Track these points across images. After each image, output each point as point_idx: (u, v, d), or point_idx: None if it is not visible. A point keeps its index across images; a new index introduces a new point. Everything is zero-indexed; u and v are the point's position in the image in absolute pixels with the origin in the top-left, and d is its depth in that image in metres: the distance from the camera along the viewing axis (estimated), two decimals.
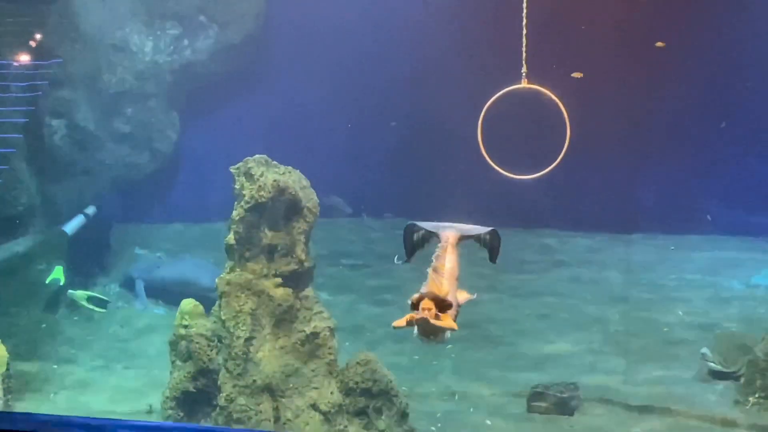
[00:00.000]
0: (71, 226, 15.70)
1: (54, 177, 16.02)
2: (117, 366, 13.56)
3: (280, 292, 10.78)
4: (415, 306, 6.97)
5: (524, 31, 8.02)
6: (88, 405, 12.22)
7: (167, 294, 15.18)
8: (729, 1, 17.07)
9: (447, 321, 7.08)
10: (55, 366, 13.41)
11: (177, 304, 11.44)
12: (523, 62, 8.05)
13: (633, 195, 18.08)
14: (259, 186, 10.75)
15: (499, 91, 8.04)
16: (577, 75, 8.77)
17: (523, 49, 7.93)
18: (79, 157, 16.78)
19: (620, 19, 16.56)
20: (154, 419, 11.15)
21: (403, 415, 10.74)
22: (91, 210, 16.08)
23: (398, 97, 17.96)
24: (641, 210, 18.30)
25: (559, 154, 8.19)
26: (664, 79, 17.40)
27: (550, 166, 8.28)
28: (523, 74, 7.96)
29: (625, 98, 17.33)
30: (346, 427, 10.61)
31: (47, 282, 14.56)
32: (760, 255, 16.97)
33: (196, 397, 10.93)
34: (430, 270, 7.25)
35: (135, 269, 16.01)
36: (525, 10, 8.04)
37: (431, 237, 7.46)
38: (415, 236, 7.60)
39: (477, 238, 7.49)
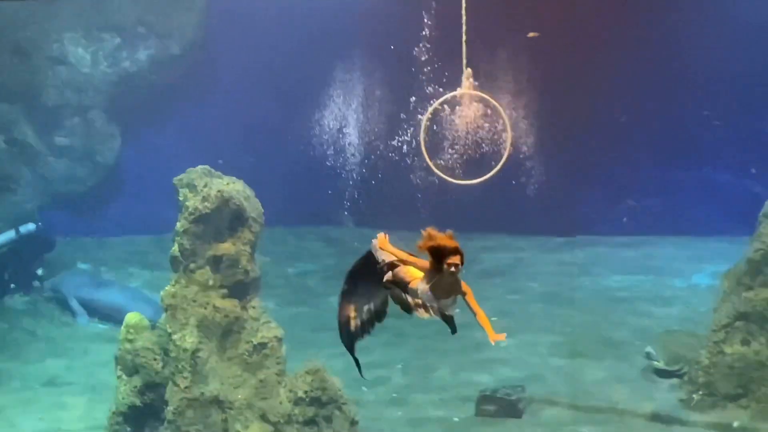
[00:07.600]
0: None
1: None
2: (62, 382, 13.40)
3: (226, 304, 10.73)
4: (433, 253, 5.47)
5: (464, 38, 8.09)
6: (26, 424, 12.09)
7: (98, 313, 15.12)
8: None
9: None
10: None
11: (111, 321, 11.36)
12: (464, 68, 8.12)
13: (574, 197, 18.24)
14: (203, 197, 10.69)
15: (440, 97, 8.09)
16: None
17: (463, 55, 8.00)
18: (18, 172, 16.56)
19: (557, 25, 16.70)
20: None
21: (353, 423, 10.75)
22: (27, 227, 15.82)
23: (343, 104, 17.90)
24: (583, 211, 18.48)
25: (501, 159, 8.25)
26: (609, 86, 17.60)
27: (492, 170, 8.32)
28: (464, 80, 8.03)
29: (570, 102, 17.49)
30: None
31: None
32: (701, 253, 17.22)
33: (144, 412, 10.81)
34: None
35: (65, 285, 15.67)
36: (464, 17, 8.11)
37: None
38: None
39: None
